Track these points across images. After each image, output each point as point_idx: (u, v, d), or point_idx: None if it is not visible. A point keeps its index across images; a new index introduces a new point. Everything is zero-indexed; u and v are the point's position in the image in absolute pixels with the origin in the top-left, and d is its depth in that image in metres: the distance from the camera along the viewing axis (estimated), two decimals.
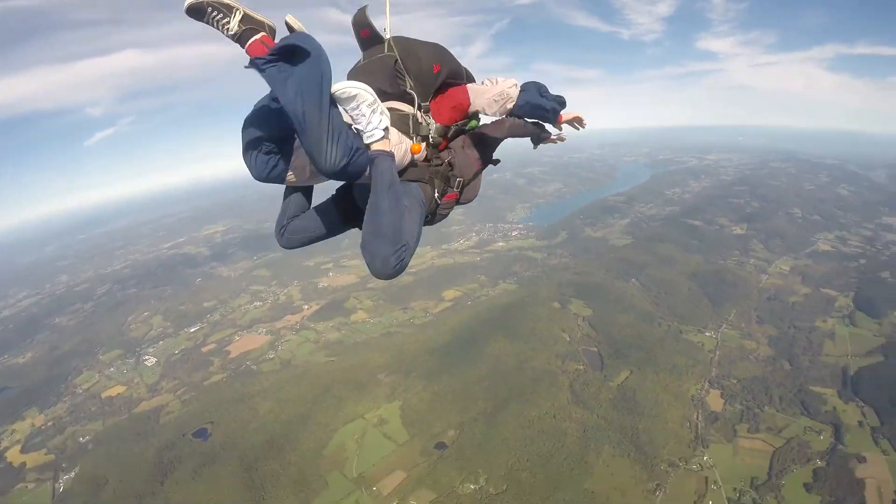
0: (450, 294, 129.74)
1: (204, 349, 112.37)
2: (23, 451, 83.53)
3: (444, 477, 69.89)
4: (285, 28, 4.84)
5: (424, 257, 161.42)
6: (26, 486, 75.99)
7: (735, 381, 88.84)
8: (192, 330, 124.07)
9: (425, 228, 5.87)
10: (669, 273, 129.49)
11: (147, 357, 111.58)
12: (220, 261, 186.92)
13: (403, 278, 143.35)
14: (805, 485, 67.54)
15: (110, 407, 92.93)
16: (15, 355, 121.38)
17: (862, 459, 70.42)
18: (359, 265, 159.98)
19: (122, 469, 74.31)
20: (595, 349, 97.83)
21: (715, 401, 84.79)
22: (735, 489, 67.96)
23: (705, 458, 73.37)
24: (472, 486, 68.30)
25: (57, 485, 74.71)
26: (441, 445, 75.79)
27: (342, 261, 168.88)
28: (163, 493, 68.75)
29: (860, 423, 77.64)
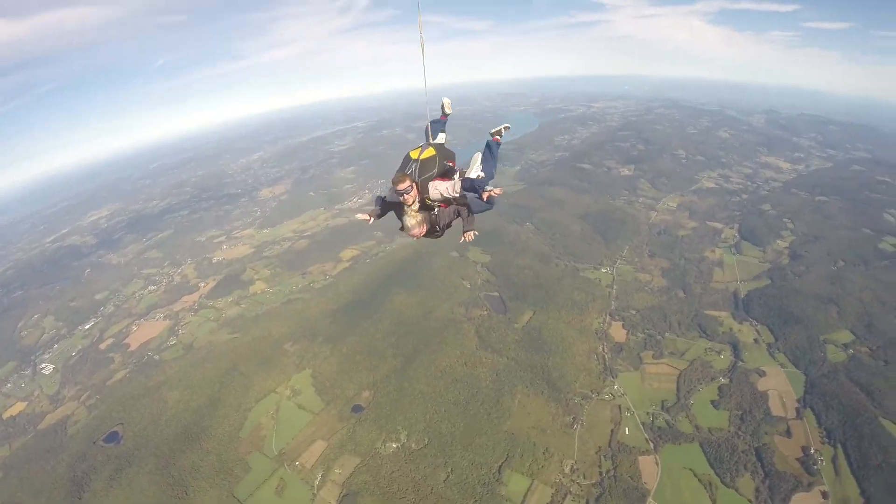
0: (347, 254, 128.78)
1: (102, 346, 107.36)
2: None
3: (366, 439, 69.96)
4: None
5: (318, 219, 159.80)
6: None
7: (634, 312, 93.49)
8: (86, 327, 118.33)
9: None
10: (561, 215, 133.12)
11: (44, 365, 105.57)
12: (108, 248, 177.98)
13: (299, 242, 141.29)
14: (712, 402, 72.58)
15: (14, 428, 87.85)
16: None
17: (762, 373, 76.60)
18: (252, 234, 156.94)
19: (36, 492, 70.71)
20: (496, 293, 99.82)
21: (618, 332, 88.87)
22: (648, 413, 72.13)
23: (616, 387, 77.31)
24: (394, 445, 68.66)
25: None
26: (357, 408, 75.58)
27: (234, 232, 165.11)
28: None
29: (756, 341, 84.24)
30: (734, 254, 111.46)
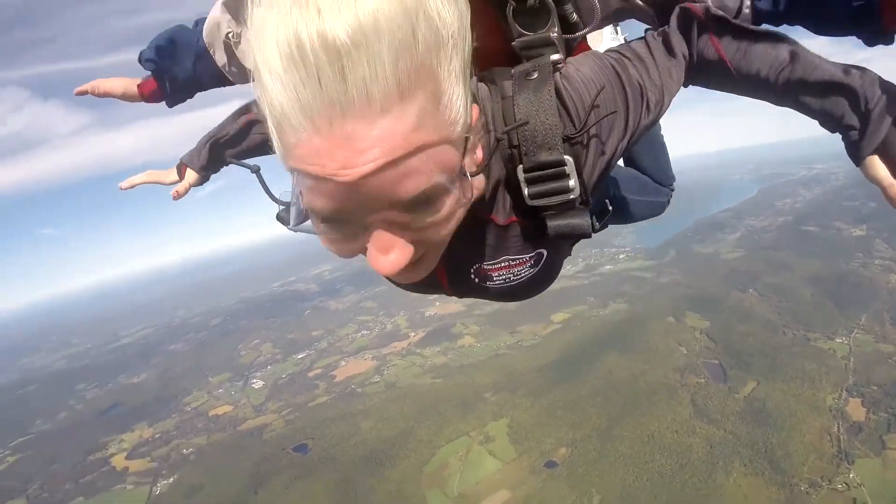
0: (558, 317, 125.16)
1: (310, 374, 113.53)
2: (127, 458, 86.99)
3: (553, 496, 65.90)
4: None
5: None
6: (125, 488, 78.75)
7: (876, 388, 79.72)
8: (299, 356, 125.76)
9: None
10: (788, 280, 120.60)
11: (255, 380, 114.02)
12: (329, 295, 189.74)
13: (509, 304, 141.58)
14: None
15: (216, 424, 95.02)
16: (131, 376, 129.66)
17: None
18: None
19: (219, 478, 75.26)
20: (716, 361, 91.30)
21: (856, 410, 76.22)
22: None
23: (851, 475, 65.13)
24: None
25: (154, 488, 76.81)
26: (551, 464, 71.59)
27: None
28: (255, 502, 69.12)
29: None
30: None
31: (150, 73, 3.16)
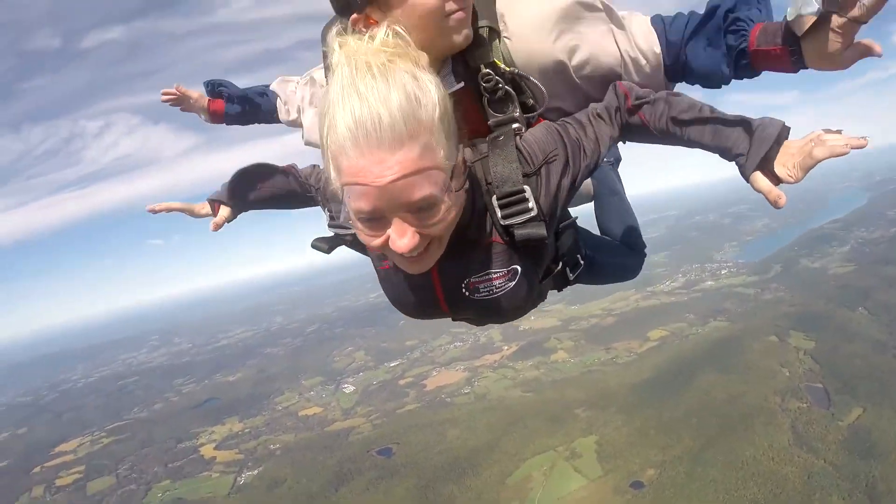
0: (655, 334, 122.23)
1: (401, 382, 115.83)
2: (216, 448, 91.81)
3: None
4: None
5: (628, 300, 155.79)
6: (210, 475, 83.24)
7: None
8: (391, 364, 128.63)
9: None
10: None
11: (346, 385, 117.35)
12: None
13: (606, 319, 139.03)
14: None
15: (305, 424, 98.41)
16: (227, 374, 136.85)
17: None
18: (560, 309, 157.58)
19: (302, 474, 77.79)
20: (820, 385, 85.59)
21: None
22: None
23: None
24: None
25: (238, 478, 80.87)
26: (638, 484, 69.55)
27: (543, 307, 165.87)
28: (335, 499, 70.81)
29: None
30: None
31: (220, 97, 4.72)
